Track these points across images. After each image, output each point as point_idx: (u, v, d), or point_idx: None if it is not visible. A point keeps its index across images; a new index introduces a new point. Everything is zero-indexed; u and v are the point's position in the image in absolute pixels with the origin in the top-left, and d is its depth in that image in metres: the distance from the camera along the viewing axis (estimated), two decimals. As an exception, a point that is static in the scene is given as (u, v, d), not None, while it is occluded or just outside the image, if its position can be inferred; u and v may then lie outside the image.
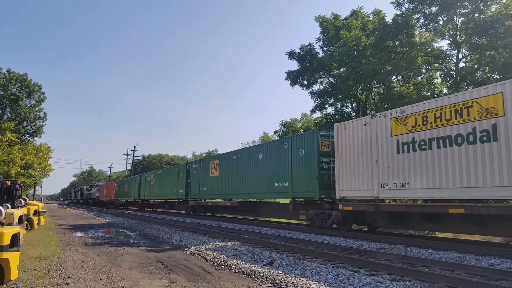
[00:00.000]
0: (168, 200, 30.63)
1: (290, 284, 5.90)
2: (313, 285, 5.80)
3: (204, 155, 67.75)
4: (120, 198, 44.00)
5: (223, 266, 7.57)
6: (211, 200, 23.28)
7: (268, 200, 18.60)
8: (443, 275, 5.95)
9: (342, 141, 13.13)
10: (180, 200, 27.62)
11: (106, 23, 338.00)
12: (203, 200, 24.05)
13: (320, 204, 14.17)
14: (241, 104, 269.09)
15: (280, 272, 6.83)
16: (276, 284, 6.00)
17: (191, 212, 25.75)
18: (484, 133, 9.10)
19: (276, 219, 19.59)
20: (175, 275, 6.76)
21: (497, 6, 19.60)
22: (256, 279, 6.42)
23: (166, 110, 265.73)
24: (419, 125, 10.64)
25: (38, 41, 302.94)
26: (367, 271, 6.78)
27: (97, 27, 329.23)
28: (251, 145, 35.85)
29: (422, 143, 10.48)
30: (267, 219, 20.30)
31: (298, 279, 6.19)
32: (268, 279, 6.32)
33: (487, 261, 7.61)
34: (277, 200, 17.56)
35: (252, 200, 19.35)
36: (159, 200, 32.76)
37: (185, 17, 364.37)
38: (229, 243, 10.80)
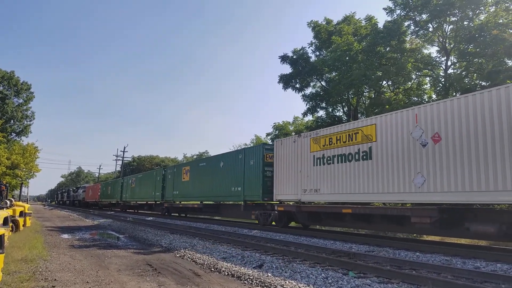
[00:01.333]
0: (148, 202, 32.21)
1: (280, 286, 5.90)
2: (302, 288, 5.82)
3: (195, 157, 67.44)
4: (104, 199, 45.17)
5: (212, 269, 7.54)
6: (182, 202, 25.34)
7: (227, 202, 20.66)
8: (430, 277, 6.02)
9: (279, 154, 15.80)
10: (157, 202, 29.31)
11: (103, 26, 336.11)
12: (175, 202, 26.11)
13: (265, 206, 16.73)
14: (236, 107, 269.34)
15: (269, 274, 6.83)
16: (265, 287, 6.00)
17: (166, 213, 27.77)
18: (364, 153, 11.92)
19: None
20: (163, 278, 6.71)
21: (486, 14, 20.00)
22: (246, 282, 6.40)
23: (161, 112, 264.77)
24: (327, 145, 13.45)
25: (34, 43, 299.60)
26: (356, 273, 6.82)
27: (94, 31, 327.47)
28: (243, 147, 36.00)
29: (329, 158, 13.29)
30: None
31: (287, 282, 6.20)
32: (257, 281, 6.32)
33: (472, 264, 7.72)
34: (235, 202, 19.58)
35: (214, 202, 21.74)
36: (139, 202, 34.41)
37: (181, 22, 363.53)
38: (219, 246, 10.75)
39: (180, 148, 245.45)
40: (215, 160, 21.47)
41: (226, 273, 7.09)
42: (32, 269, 7.07)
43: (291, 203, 15.20)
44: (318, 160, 13.63)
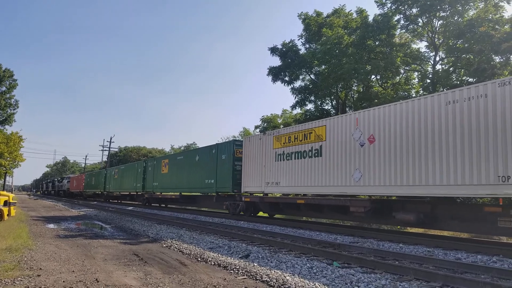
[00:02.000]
0: (130, 193, 33.15)
1: (265, 276, 5.98)
2: (288, 277, 5.90)
3: (182, 148, 67.15)
4: (89, 190, 45.46)
5: (199, 259, 7.58)
6: (162, 193, 26.55)
7: (201, 194, 21.98)
8: (412, 268, 6.18)
9: (247, 150, 17.04)
10: (138, 193, 30.46)
11: (94, 20, 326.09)
12: (155, 193, 27.34)
13: (235, 197, 18.01)
14: (226, 100, 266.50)
15: (256, 264, 6.90)
16: (251, 276, 6.06)
17: (147, 204, 29.03)
18: (316, 151, 13.30)
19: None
20: (150, 267, 6.72)
21: (475, 10, 20.20)
22: (232, 271, 6.46)
23: (151, 106, 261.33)
24: (287, 142, 14.73)
25: (21, 35, 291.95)
26: (340, 264, 6.95)
27: (88, 24, 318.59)
28: (230, 139, 36.11)
29: (288, 155, 14.58)
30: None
31: (273, 271, 6.28)
32: (243, 271, 6.38)
33: (454, 255, 7.94)
34: (208, 194, 20.77)
35: (190, 193, 23.07)
36: (122, 193, 35.34)
37: (176, 17, 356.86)
38: (206, 236, 10.80)
39: (169, 139, 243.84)
40: (191, 154, 22.76)
41: (213, 263, 7.14)
42: (17, 258, 7.00)
43: (258, 194, 16.37)
44: (279, 156, 14.94)
